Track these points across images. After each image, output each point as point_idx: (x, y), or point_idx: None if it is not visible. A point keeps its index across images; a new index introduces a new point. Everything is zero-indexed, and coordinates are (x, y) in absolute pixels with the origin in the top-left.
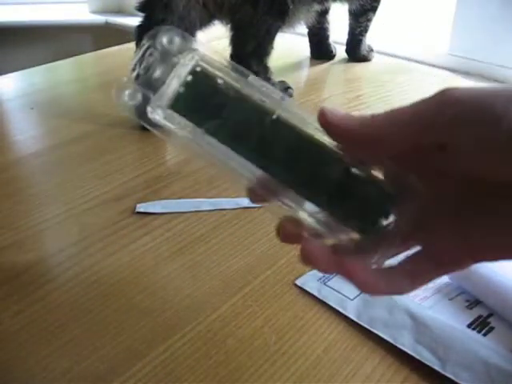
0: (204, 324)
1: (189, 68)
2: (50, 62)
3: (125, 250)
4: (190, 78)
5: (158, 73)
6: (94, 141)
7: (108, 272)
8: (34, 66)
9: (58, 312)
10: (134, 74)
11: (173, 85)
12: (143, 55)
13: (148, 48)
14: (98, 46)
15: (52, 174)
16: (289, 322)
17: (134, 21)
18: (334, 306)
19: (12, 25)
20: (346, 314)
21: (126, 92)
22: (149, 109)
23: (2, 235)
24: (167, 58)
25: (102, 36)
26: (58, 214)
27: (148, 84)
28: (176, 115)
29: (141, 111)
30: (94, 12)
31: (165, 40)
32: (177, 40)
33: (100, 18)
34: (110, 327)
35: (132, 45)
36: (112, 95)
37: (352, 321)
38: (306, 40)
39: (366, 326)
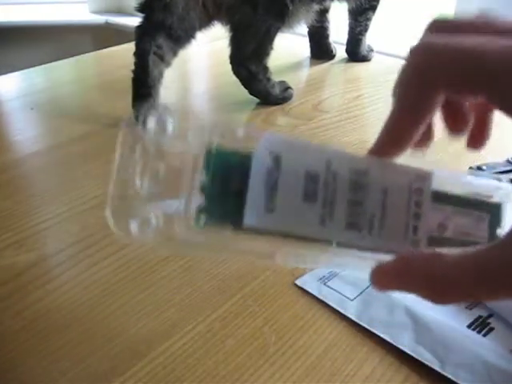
0: (204, 324)
1: (204, 154)
2: (49, 61)
3: (125, 250)
4: (209, 164)
5: (161, 175)
6: (94, 141)
7: (108, 272)
8: (34, 66)
9: (58, 312)
10: (133, 188)
11: (193, 186)
12: (130, 157)
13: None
14: (98, 46)
15: (52, 173)
16: (289, 322)
17: (134, 21)
18: (333, 306)
19: (12, 25)
20: (346, 314)
21: (133, 221)
22: (180, 234)
23: (2, 235)
24: (162, 152)
25: (101, 36)
26: (58, 213)
27: (157, 197)
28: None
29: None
30: (94, 12)
31: (153, 128)
32: (168, 123)
33: (100, 18)
34: (109, 327)
35: (132, 45)
36: (109, 222)
37: (352, 321)
38: (306, 40)
39: (365, 326)
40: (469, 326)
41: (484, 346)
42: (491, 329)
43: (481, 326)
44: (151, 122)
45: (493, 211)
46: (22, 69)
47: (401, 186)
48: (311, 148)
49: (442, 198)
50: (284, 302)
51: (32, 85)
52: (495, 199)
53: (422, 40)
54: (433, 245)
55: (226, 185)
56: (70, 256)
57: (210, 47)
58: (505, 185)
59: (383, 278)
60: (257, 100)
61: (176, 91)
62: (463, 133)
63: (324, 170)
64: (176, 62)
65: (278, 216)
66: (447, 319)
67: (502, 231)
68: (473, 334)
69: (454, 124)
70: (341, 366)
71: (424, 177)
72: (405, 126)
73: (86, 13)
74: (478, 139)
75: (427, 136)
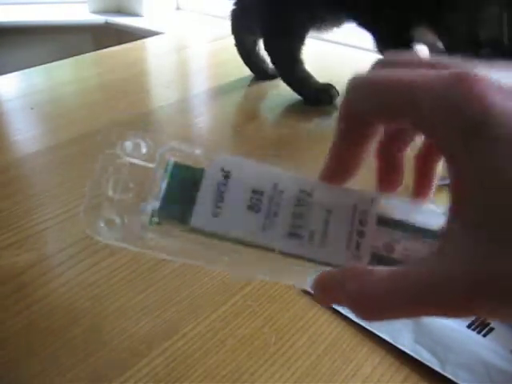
0: (204, 324)
1: (166, 178)
2: (49, 62)
3: (125, 250)
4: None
5: (131, 188)
6: (94, 141)
7: (108, 272)
8: (33, 66)
9: (58, 312)
10: (106, 195)
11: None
12: (106, 170)
13: (111, 160)
14: (98, 46)
15: (52, 173)
16: (289, 322)
17: (134, 21)
18: (334, 305)
19: (12, 25)
20: (346, 314)
21: (101, 220)
22: (138, 232)
23: (2, 235)
24: (138, 170)
25: (102, 36)
26: (58, 214)
27: (126, 206)
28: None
29: (128, 235)
30: (94, 12)
31: (130, 147)
32: (143, 145)
33: (100, 18)
34: (110, 327)
35: (132, 44)
36: (81, 219)
37: (352, 321)
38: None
39: (365, 326)
40: (468, 326)
41: (484, 347)
42: (491, 329)
43: (481, 326)
44: (129, 145)
45: None
46: (22, 69)
47: (345, 206)
48: (262, 169)
49: (390, 223)
50: (284, 302)
51: (32, 85)
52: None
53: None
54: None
55: (180, 191)
56: (70, 256)
57: (210, 47)
58: None
59: (321, 289)
60: (256, 100)
61: (176, 91)
62: (393, 186)
63: (270, 188)
64: (176, 62)
65: (223, 220)
66: (447, 320)
67: None
68: (473, 334)
69: (386, 176)
70: (341, 366)
71: (369, 199)
72: (343, 157)
73: (86, 13)
74: (422, 190)
75: (397, 180)
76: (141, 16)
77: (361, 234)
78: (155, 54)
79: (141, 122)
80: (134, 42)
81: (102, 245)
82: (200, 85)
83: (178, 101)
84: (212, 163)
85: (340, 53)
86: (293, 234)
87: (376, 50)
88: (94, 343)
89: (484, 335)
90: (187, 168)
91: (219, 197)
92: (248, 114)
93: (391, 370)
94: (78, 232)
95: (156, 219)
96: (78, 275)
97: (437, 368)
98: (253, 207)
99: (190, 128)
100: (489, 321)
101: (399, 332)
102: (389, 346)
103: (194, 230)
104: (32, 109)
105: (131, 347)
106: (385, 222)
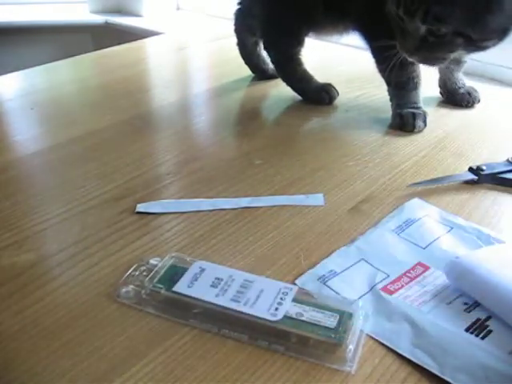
0: None
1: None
2: (50, 62)
3: (125, 250)
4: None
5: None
6: (94, 141)
7: (108, 272)
8: (34, 66)
9: (58, 312)
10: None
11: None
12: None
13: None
14: (98, 46)
15: (52, 173)
16: None
17: (134, 21)
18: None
19: (12, 25)
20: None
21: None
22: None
23: (2, 235)
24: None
25: (101, 36)
26: (58, 214)
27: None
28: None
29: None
30: (94, 12)
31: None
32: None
33: (100, 18)
34: (109, 327)
35: (132, 44)
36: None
37: None
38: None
39: (364, 330)
40: (467, 330)
41: (482, 349)
42: (489, 331)
43: (479, 328)
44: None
45: (342, 313)
46: (22, 69)
47: (273, 288)
48: (225, 268)
49: (304, 302)
50: None
51: (32, 85)
52: (348, 309)
53: None
54: (292, 322)
55: (172, 275)
56: (69, 256)
57: (210, 47)
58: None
59: None
60: (256, 100)
61: (176, 91)
62: None
63: (227, 277)
64: (176, 62)
65: (193, 290)
66: (445, 323)
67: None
68: (471, 337)
69: None
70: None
71: (289, 287)
72: None
73: (86, 13)
74: None
75: None
76: (141, 16)
77: (279, 304)
78: (155, 54)
79: (141, 121)
80: (134, 42)
81: (102, 245)
82: (200, 85)
83: (178, 101)
84: (195, 263)
85: (340, 53)
86: (234, 300)
87: (377, 68)
88: (94, 343)
89: (482, 338)
90: (179, 265)
91: (194, 278)
92: (248, 114)
93: (391, 370)
94: (78, 232)
95: (159, 284)
96: (78, 275)
97: (435, 371)
98: (214, 285)
99: (190, 128)
100: (487, 323)
101: (397, 336)
102: (389, 346)
103: (175, 293)
104: (32, 109)
105: (131, 347)
106: (301, 301)
